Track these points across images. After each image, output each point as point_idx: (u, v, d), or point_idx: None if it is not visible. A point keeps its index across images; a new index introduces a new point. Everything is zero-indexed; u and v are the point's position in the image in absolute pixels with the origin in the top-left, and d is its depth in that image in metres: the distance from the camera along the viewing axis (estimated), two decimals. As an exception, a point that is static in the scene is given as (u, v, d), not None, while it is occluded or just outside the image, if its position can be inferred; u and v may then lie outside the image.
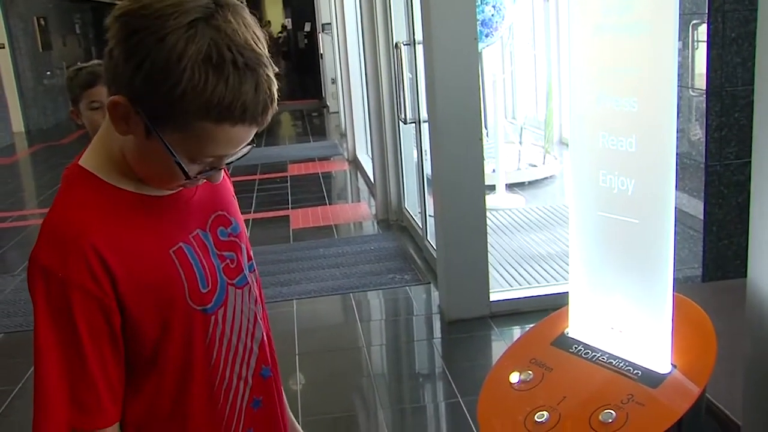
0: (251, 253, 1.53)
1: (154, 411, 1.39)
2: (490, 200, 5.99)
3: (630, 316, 1.51)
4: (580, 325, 1.61)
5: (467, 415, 3.53)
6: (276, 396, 1.55)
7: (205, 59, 1.12)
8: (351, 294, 5.07)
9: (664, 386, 1.43)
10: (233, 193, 1.53)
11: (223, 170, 1.34)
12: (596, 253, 1.56)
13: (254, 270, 1.52)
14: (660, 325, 1.46)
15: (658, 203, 1.43)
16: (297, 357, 4.29)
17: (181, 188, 1.35)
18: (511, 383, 1.57)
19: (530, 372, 1.57)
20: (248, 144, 1.26)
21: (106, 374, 1.30)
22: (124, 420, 1.38)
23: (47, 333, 1.23)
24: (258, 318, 1.50)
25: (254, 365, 1.49)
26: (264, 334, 1.52)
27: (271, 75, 1.19)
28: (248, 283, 1.47)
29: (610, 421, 1.39)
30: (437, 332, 4.57)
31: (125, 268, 1.27)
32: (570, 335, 1.62)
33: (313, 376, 4.12)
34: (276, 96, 1.20)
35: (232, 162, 1.29)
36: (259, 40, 1.18)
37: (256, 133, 1.26)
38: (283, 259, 5.83)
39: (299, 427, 1.81)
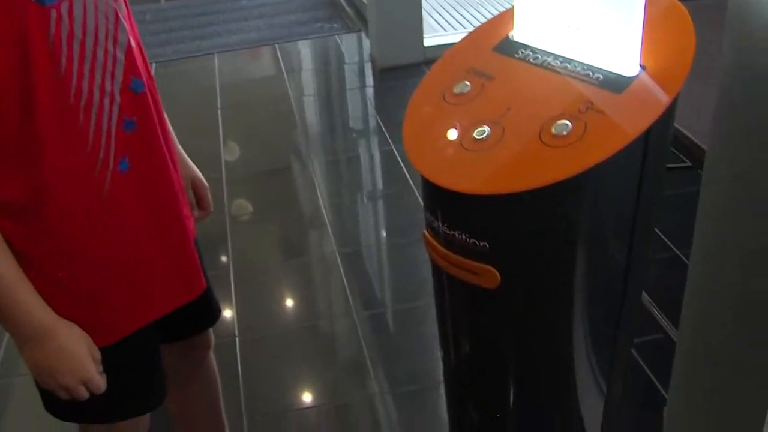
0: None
1: None
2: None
3: (591, 9, 1.19)
4: (527, 26, 1.30)
5: (401, 162, 3.31)
6: (155, 117, 1.23)
7: None
8: (276, 45, 4.66)
9: (631, 91, 1.14)
10: None
11: None
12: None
13: None
14: (629, 15, 1.15)
15: None
16: (219, 111, 3.96)
17: None
18: (443, 96, 1.27)
19: (467, 83, 1.26)
20: None
21: None
22: None
23: None
24: (120, 17, 1.14)
25: (121, 78, 1.15)
26: (131, 38, 1.17)
27: None
28: None
29: (565, 133, 1.12)
30: (369, 81, 4.24)
31: None
32: (515, 39, 1.31)
33: (236, 130, 3.81)
34: None
35: None
36: None
37: None
38: (201, 12, 5.31)
39: (189, 162, 1.51)
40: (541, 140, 1.13)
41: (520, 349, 1.33)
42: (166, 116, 1.41)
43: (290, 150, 3.60)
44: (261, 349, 2.49)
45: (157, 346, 1.41)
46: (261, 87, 4.26)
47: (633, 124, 1.11)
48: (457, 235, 1.21)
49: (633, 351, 2.27)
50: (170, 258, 1.30)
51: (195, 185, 1.52)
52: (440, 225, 1.24)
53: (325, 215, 3.08)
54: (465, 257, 1.22)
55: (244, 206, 3.23)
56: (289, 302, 2.74)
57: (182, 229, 1.31)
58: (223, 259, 2.90)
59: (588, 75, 1.19)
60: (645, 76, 1.16)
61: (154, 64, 4.51)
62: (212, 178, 3.37)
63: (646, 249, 1.31)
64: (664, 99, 1.12)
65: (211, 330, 1.63)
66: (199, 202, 1.53)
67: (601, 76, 1.18)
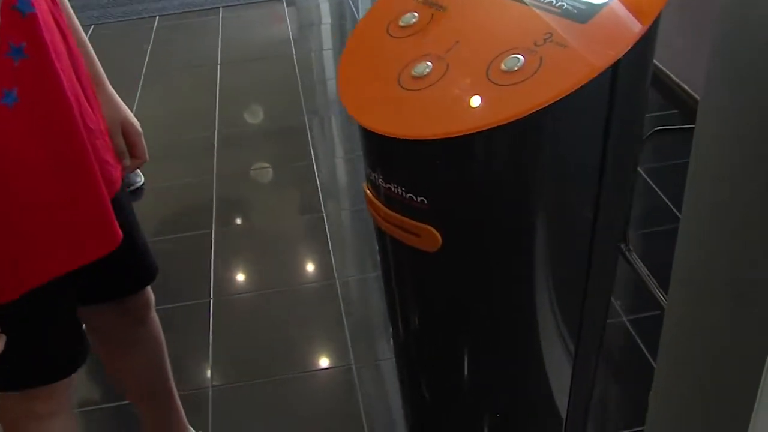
0: None
1: None
2: None
3: (558, -75, 1.00)
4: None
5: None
6: (51, 45, 1.06)
7: None
8: (284, -1, 4.47)
9: (598, 20, 0.96)
10: None
11: None
12: None
13: None
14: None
15: None
16: (219, 67, 3.79)
17: None
18: (387, 29, 1.09)
19: (415, 14, 1.08)
20: None
21: None
22: None
23: None
24: None
25: None
26: None
27: None
28: None
29: (516, 68, 0.93)
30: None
31: None
32: (475, -36, 1.12)
33: (234, 87, 3.63)
34: None
35: None
36: None
37: None
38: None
39: (120, 104, 1.34)
40: (488, 77, 0.95)
41: (469, 316, 1.16)
42: (86, 47, 1.25)
43: (289, 108, 3.41)
44: (237, 312, 2.34)
45: (70, 305, 1.26)
46: (265, 43, 4.08)
47: (596, 58, 0.92)
48: (392, 188, 1.04)
49: (630, 328, 2.09)
50: (74, 207, 1.14)
51: (126, 131, 1.35)
52: (376, 177, 1.07)
53: (317, 175, 2.91)
54: (403, 215, 1.05)
55: (233, 165, 3.07)
56: (277, 264, 2.57)
57: (89, 175, 1.14)
58: (206, 219, 2.75)
59: (551, 3, 1.00)
60: (616, 4, 0.98)
61: (157, 17, 4.35)
62: (203, 136, 3.24)
63: (619, 203, 1.13)
64: (636, 28, 0.93)
65: (149, 289, 1.49)
66: (132, 149, 1.37)
67: (565, 4, 0.99)
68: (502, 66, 0.95)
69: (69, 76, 1.11)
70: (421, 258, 1.08)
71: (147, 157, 1.40)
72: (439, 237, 1.02)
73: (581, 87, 0.90)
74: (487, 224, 1.02)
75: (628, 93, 0.97)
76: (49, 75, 1.06)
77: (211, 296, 2.39)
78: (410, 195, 1.01)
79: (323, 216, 2.70)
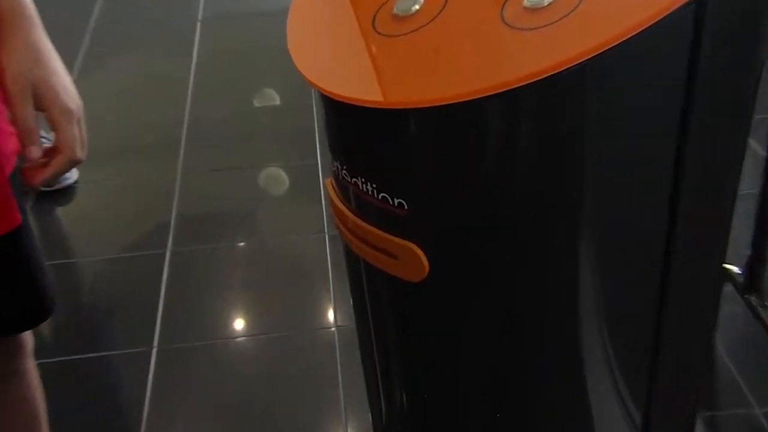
0: None
1: None
2: None
3: None
4: None
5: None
6: None
7: None
8: None
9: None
10: None
11: None
12: None
13: None
14: None
15: None
16: (198, 24, 3.78)
17: None
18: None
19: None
20: None
21: None
22: None
23: None
24: None
25: None
26: None
27: None
28: None
29: (546, 3, 0.84)
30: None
31: None
32: None
33: (216, 50, 3.64)
34: None
35: None
36: None
37: None
38: None
39: (47, 57, 1.24)
40: (503, 19, 0.86)
41: (473, 382, 1.07)
42: None
43: (292, 87, 3.36)
44: (187, 367, 2.27)
45: None
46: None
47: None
48: (360, 185, 0.95)
49: (765, 424, 1.96)
50: None
51: (46, 99, 1.11)
52: (340, 169, 0.99)
53: (322, 181, 2.84)
54: (374, 226, 0.97)
55: (205, 161, 3.02)
56: (252, 302, 2.50)
57: None
58: (161, 235, 2.69)
59: None
60: None
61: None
62: (167, 121, 3.21)
63: (713, 215, 1.03)
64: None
65: (29, 334, 1.42)
66: (54, 132, 1.14)
67: None
68: (525, 2, 0.86)
69: None
70: (403, 291, 0.99)
71: (78, 154, 1.16)
72: (425, 260, 0.93)
73: (643, 31, 0.80)
74: (495, 241, 0.93)
75: (724, 47, 0.87)
76: None
77: (155, 344, 2.33)
78: (384, 195, 0.93)
79: (325, 237, 2.63)
